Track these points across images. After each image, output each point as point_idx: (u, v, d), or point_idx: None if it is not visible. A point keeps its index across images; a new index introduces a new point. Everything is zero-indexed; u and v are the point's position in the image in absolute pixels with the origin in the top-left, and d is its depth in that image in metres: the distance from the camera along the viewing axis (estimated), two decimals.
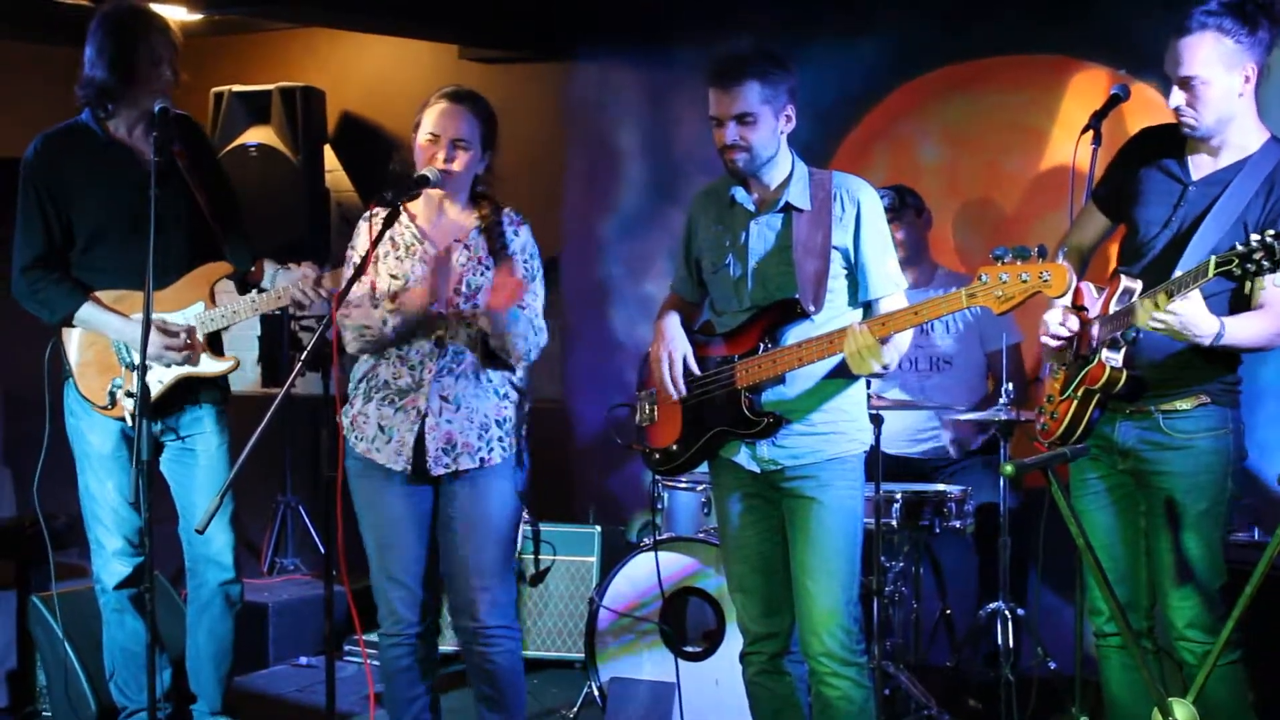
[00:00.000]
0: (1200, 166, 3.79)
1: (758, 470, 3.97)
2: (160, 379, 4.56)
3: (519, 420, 4.25)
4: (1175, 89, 3.71)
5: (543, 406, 6.61)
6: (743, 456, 3.99)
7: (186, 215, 4.63)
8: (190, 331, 4.56)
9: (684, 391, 4.02)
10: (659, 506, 5.47)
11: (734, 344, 3.99)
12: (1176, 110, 3.73)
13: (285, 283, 4.48)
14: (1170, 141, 3.86)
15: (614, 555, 5.76)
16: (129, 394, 4.53)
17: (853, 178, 4.01)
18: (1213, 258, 3.38)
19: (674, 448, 4.14)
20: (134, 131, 4.59)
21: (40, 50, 7.60)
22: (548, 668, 5.86)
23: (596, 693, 5.16)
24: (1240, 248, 3.32)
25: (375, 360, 4.20)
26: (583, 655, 5.32)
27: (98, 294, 4.57)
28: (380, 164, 6.93)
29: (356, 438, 4.20)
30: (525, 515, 5.75)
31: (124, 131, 4.60)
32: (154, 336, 4.42)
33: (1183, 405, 3.73)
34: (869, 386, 4.34)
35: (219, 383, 4.71)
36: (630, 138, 6.62)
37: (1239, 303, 3.69)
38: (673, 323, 4.12)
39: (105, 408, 4.59)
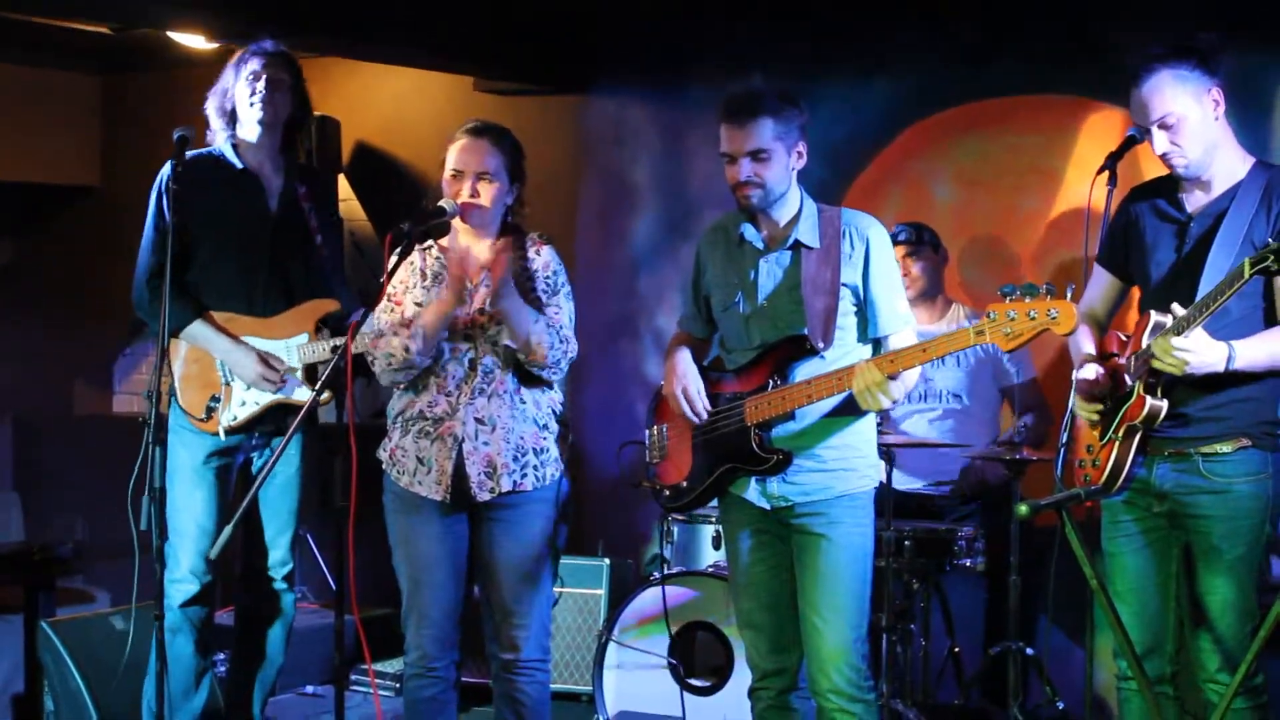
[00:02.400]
0: (1195, 201, 3.83)
1: (768, 507, 3.97)
2: (257, 400, 4.75)
3: (558, 455, 4.24)
4: (1156, 135, 3.75)
5: None
6: (753, 493, 3.99)
7: (304, 252, 4.83)
8: (291, 371, 4.76)
9: (704, 417, 4.02)
10: (668, 541, 5.47)
11: (744, 381, 4.00)
12: (1164, 155, 3.77)
13: None
14: (1162, 188, 3.91)
15: (622, 588, 5.75)
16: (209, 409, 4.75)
17: (862, 215, 4.03)
18: (1246, 259, 3.41)
19: (684, 484, 4.15)
20: (262, 163, 4.82)
21: (62, 77, 7.65)
22: (555, 700, 5.82)
23: None
24: (1274, 243, 3.34)
25: (412, 394, 4.20)
26: (590, 688, 5.30)
27: (211, 314, 4.75)
28: (394, 193, 7.00)
29: (398, 472, 4.20)
30: None
31: (254, 161, 4.81)
32: (254, 365, 4.70)
33: (1223, 449, 3.72)
34: (882, 422, 4.33)
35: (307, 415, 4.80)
36: (644, 173, 6.64)
37: (1273, 323, 3.71)
38: (683, 357, 4.13)
39: (202, 420, 4.74)
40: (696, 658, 5.18)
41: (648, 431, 4.32)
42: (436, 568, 4.19)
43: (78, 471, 7.57)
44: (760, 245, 4.01)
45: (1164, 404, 3.67)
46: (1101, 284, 4.07)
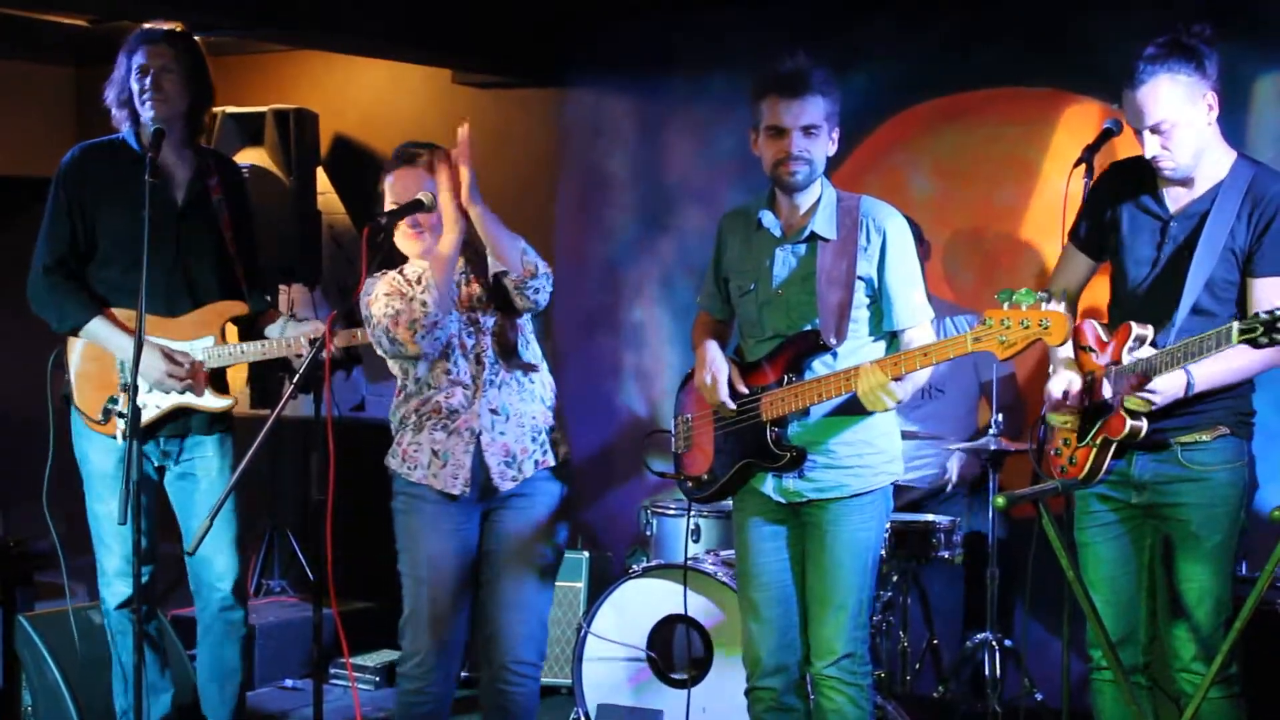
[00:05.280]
0: (1177, 199, 3.81)
1: (782, 500, 3.97)
2: (158, 404, 4.56)
3: (560, 427, 4.28)
4: (1149, 138, 3.72)
5: None
6: (769, 487, 3.99)
7: (212, 248, 4.66)
8: (195, 364, 4.57)
9: (733, 404, 3.99)
10: (648, 534, 5.48)
11: (760, 375, 3.98)
12: (1154, 159, 3.74)
13: (296, 333, 4.56)
14: (1143, 175, 3.88)
15: (602, 581, 5.75)
16: (121, 414, 4.52)
17: (881, 205, 4.00)
18: (1235, 325, 3.35)
19: (705, 477, 4.15)
20: (168, 157, 4.59)
21: (36, 70, 7.62)
22: None
23: (583, 719, 5.15)
24: (1264, 315, 3.31)
25: (423, 394, 4.12)
26: (569, 681, 5.30)
27: (112, 310, 4.56)
28: (372, 186, 6.97)
29: (409, 468, 4.12)
30: None
31: (158, 151, 4.56)
32: (159, 362, 4.50)
33: (1203, 437, 3.73)
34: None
35: (218, 414, 4.68)
36: (622, 165, 6.63)
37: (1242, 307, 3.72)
38: (712, 346, 4.09)
39: (99, 423, 4.57)
40: (675, 650, 5.18)
41: (674, 421, 4.31)
42: (448, 565, 4.12)
43: (57, 464, 7.53)
44: (777, 233, 3.98)
45: (1144, 424, 3.65)
46: (1074, 263, 4.03)
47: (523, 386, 4.17)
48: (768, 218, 3.99)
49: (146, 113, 4.51)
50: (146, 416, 4.53)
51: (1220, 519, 3.74)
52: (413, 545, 4.15)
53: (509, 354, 4.16)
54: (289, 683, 6.04)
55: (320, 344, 4.01)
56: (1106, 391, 3.71)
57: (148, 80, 4.52)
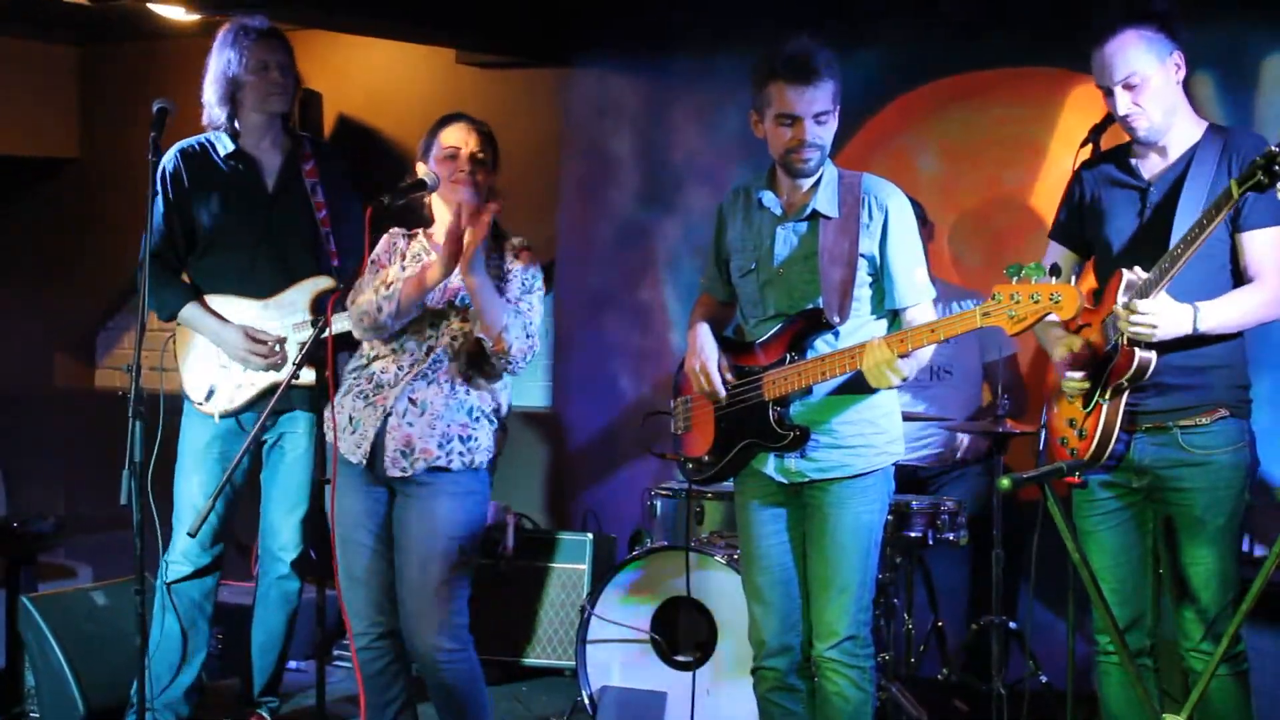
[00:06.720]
0: (1152, 167, 3.82)
1: (785, 481, 3.96)
2: (254, 382, 4.79)
3: (490, 446, 4.20)
4: (1120, 95, 3.73)
5: (535, 413, 6.64)
6: (771, 467, 3.97)
7: (304, 229, 4.86)
8: (280, 342, 4.79)
9: (722, 394, 3.98)
10: (652, 516, 5.47)
11: (762, 354, 3.96)
12: (1126, 117, 3.75)
13: None
14: (1113, 158, 3.90)
15: (606, 563, 5.75)
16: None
17: (883, 183, 3.97)
18: (1233, 179, 3.40)
19: (706, 458, 4.13)
20: (260, 143, 4.87)
21: (39, 48, 7.60)
22: (538, 675, 5.84)
23: (586, 701, 5.14)
24: (1259, 158, 3.33)
25: (368, 357, 4.19)
26: (573, 663, 5.30)
27: (207, 298, 4.83)
28: (376, 166, 6.97)
29: (327, 428, 4.19)
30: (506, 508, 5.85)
31: (251, 143, 4.88)
32: (240, 340, 4.74)
33: (1203, 420, 3.71)
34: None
35: (312, 389, 4.76)
36: (627, 146, 6.61)
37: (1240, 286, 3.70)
38: (703, 331, 4.08)
39: (202, 403, 4.82)
40: (679, 632, 5.17)
41: (673, 402, 4.29)
42: (361, 525, 4.17)
43: (59, 445, 7.55)
44: (778, 212, 3.96)
45: (1152, 355, 3.61)
46: (1056, 260, 4.00)
47: (454, 393, 4.14)
48: (768, 197, 3.97)
49: (272, 106, 4.82)
50: (243, 396, 4.81)
51: (1224, 501, 3.73)
52: (335, 503, 4.16)
53: (458, 359, 4.15)
54: (292, 664, 6.01)
55: (323, 324, 4.02)
56: (1109, 331, 3.67)
57: (275, 74, 4.80)
